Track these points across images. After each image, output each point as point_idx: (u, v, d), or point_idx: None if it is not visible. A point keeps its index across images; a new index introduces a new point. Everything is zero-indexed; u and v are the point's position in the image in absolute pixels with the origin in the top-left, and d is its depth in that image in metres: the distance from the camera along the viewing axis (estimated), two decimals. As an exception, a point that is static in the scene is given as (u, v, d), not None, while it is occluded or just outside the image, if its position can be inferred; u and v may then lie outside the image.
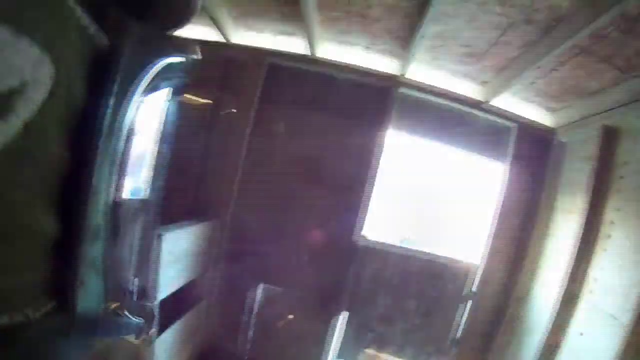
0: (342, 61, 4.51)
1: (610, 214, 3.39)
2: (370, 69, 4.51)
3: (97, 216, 1.09)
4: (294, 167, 4.65)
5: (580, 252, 3.51)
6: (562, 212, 4.15)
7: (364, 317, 4.59)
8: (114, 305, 1.25)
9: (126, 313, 1.29)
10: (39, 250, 0.98)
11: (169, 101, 1.64)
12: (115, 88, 1.06)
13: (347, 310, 4.59)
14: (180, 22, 1.36)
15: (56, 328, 1.06)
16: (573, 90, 3.80)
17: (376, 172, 4.57)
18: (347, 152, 4.65)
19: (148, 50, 1.21)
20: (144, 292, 1.54)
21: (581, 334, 3.34)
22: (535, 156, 4.47)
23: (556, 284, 3.81)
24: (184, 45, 1.41)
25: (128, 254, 1.46)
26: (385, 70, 4.52)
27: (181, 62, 1.39)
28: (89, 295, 1.11)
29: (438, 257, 4.57)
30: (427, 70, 4.41)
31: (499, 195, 4.50)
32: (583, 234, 3.52)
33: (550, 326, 3.58)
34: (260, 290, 4.70)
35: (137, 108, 1.24)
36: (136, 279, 1.44)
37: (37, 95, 0.86)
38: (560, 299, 3.55)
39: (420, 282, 4.53)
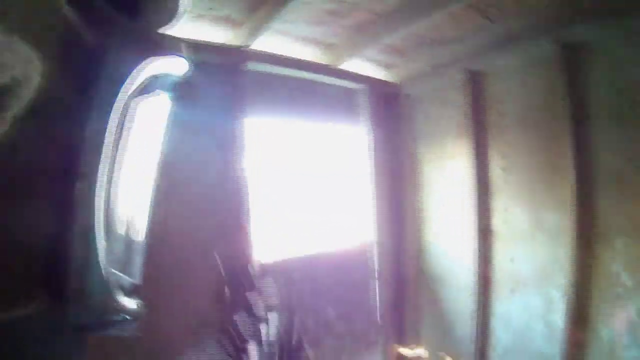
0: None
1: (501, 148, 3.58)
2: (209, 43, 3.28)
3: (87, 212, 1.03)
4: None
5: (480, 190, 3.66)
6: (431, 162, 4.26)
7: (287, 352, 3.65)
8: (108, 302, 1.15)
9: (119, 310, 1.20)
10: (31, 245, 0.96)
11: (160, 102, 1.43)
12: (104, 86, 1.04)
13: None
14: (169, 21, 1.32)
15: (50, 324, 1.04)
16: (425, 40, 3.77)
17: (244, 174, 3.52)
18: (199, 159, 3.37)
19: (137, 49, 1.16)
20: (135, 290, 1.34)
21: (512, 260, 3.53)
22: (389, 114, 4.41)
23: (457, 231, 3.94)
24: (173, 45, 1.31)
25: (121, 252, 1.37)
26: (228, 43, 3.40)
27: (170, 62, 1.30)
28: (83, 291, 1.07)
29: (337, 251, 4.07)
30: (273, 37, 3.56)
31: (369, 160, 4.28)
32: (477, 174, 3.68)
33: (476, 265, 3.68)
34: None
35: (126, 107, 1.16)
36: (128, 277, 1.35)
37: (26, 92, 0.88)
38: (477, 237, 3.66)
39: (331, 285, 3.92)
